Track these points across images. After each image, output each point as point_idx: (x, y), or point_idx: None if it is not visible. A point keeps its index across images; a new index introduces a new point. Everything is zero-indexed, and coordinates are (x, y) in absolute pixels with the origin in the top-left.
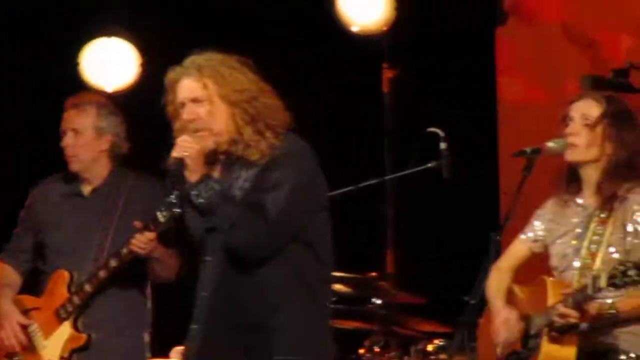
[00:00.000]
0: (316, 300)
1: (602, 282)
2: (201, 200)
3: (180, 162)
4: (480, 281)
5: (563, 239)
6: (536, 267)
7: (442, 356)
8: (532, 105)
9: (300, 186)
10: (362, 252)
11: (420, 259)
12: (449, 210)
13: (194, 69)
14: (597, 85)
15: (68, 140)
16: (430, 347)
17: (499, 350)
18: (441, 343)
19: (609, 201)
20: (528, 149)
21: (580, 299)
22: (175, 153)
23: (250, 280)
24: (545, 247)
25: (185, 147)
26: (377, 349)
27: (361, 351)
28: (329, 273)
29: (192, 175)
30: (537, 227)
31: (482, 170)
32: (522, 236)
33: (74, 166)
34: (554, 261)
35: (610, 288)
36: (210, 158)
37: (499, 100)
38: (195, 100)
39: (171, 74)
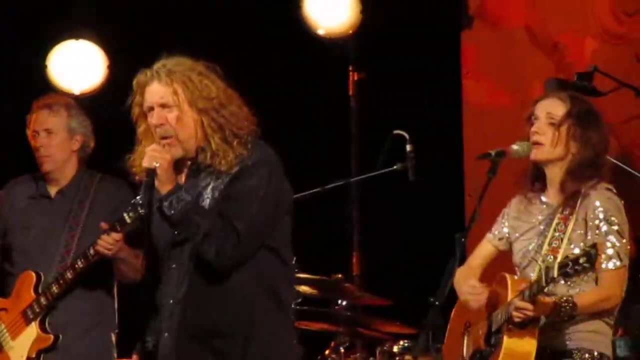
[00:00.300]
0: (282, 302)
1: (555, 271)
2: (173, 212)
3: (152, 172)
4: (445, 282)
5: (526, 235)
6: (504, 265)
7: (407, 357)
8: (497, 109)
9: (269, 196)
10: (327, 253)
11: (385, 261)
12: (414, 212)
13: (164, 73)
14: (561, 88)
15: (42, 140)
16: (395, 348)
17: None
18: (406, 344)
19: (571, 199)
20: (492, 152)
21: (535, 291)
22: (146, 163)
23: (219, 287)
24: (510, 245)
25: (156, 157)
26: (342, 350)
27: (327, 352)
28: (292, 274)
29: (163, 186)
30: (502, 225)
31: (447, 173)
32: (489, 235)
33: (47, 166)
34: (517, 258)
35: (562, 285)
36: (177, 165)
37: (464, 103)
38: (164, 106)
39: (140, 77)
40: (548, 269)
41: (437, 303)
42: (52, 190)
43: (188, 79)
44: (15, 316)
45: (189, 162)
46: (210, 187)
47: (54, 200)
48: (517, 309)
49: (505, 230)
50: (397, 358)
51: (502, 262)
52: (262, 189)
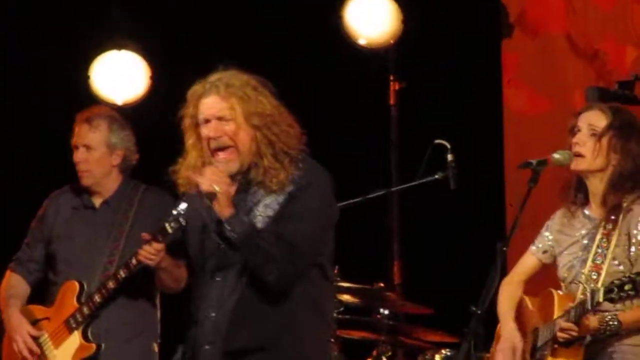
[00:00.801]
0: (324, 316)
1: (600, 296)
2: (235, 236)
3: (211, 195)
4: (487, 291)
5: (570, 250)
6: (549, 277)
7: None
8: (538, 117)
9: (325, 216)
10: (369, 262)
11: (426, 270)
12: (455, 221)
13: (222, 86)
14: (602, 96)
15: (80, 156)
16: (437, 357)
17: None
18: (448, 353)
19: (613, 212)
20: (534, 161)
21: (580, 313)
22: (205, 187)
23: (268, 303)
24: (554, 258)
25: (216, 181)
26: (384, 359)
27: None
28: (334, 288)
29: (224, 209)
30: (545, 238)
31: (488, 182)
32: (532, 247)
33: (86, 181)
34: (561, 272)
35: (607, 302)
36: (232, 179)
37: (505, 112)
38: (221, 119)
39: (197, 88)
40: (594, 292)
41: (478, 312)
42: (96, 202)
43: (244, 94)
44: (58, 325)
45: (238, 177)
46: (262, 204)
47: (98, 211)
48: (562, 329)
49: (549, 243)
50: None
51: (545, 273)
52: (320, 210)
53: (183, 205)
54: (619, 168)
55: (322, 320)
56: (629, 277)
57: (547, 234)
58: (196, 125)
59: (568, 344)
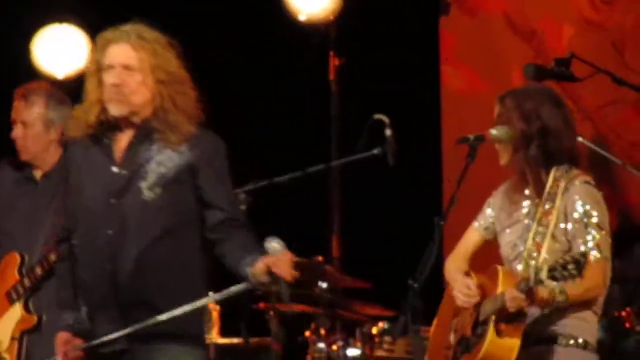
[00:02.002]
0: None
1: (543, 274)
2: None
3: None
4: (424, 265)
5: (512, 228)
6: (494, 255)
7: (387, 339)
8: (476, 95)
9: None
10: (308, 236)
11: (365, 244)
12: (394, 196)
13: (134, 36)
14: (539, 74)
15: (17, 132)
16: (375, 330)
17: (443, 327)
18: (386, 326)
19: (545, 190)
20: (471, 136)
21: (524, 288)
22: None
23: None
24: (496, 235)
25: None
26: (322, 332)
27: (307, 334)
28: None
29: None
30: (487, 215)
31: (426, 158)
32: (475, 224)
33: (24, 156)
34: (504, 251)
35: (550, 280)
36: (122, 124)
37: (442, 89)
38: (127, 68)
39: (107, 34)
40: (537, 270)
41: (416, 285)
42: (37, 175)
43: (154, 48)
44: None
45: (135, 128)
46: (154, 160)
47: (39, 184)
48: (512, 299)
49: (491, 220)
50: (377, 340)
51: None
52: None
53: None
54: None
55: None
56: (572, 257)
57: (489, 210)
58: (99, 70)
59: (509, 319)
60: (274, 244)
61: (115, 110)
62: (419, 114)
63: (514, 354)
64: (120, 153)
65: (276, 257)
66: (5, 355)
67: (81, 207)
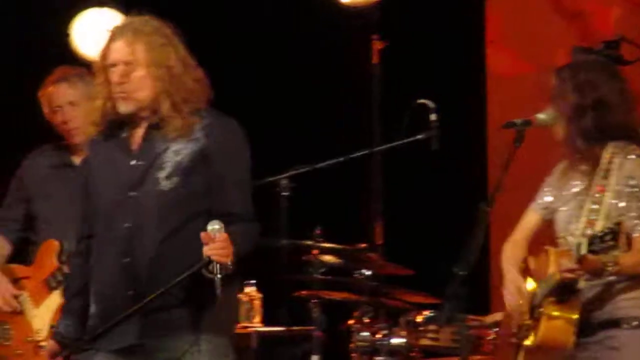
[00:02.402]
0: None
1: (583, 248)
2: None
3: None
4: (469, 252)
5: (567, 205)
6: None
7: (431, 327)
8: (521, 78)
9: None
10: (350, 223)
11: (409, 231)
12: (438, 181)
13: (130, 32)
14: (588, 56)
15: (67, 114)
16: (419, 318)
17: (510, 317)
18: (430, 314)
19: (600, 166)
20: (518, 121)
21: (576, 257)
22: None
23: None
24: (554, 214)
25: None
26: (366, 320)
27: (350, 322)
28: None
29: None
30: (545, 194)
31: (471, 142)
32: (533, 204)
33: (79, 138)
34: (558, 228)
35: (591, 254)
36: (132, 121)
37: (487, 72)
38: (126, 64)
39: (112, 30)
40: (578, 245)
41: (461, 273)
42: (76, 160)
43: (150, 42)
44: (38, 284)
45: (145, 123)
46: (170, 150)
47: (77, 169)
48: (565, 270)
49: (548, 199)
50: (421, 328)
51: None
52: (247, 170)
53: None
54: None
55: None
56: (609, 227)
57: (546, 189)
58: (105, 67)
59: (564, 299)
60: (213, 226)
61: (122, 107)
62: (463, 98)
63: (571, 333)
64: (137, 145)
65: (211, 238)
66: (45, 344)
67: (100, 203)
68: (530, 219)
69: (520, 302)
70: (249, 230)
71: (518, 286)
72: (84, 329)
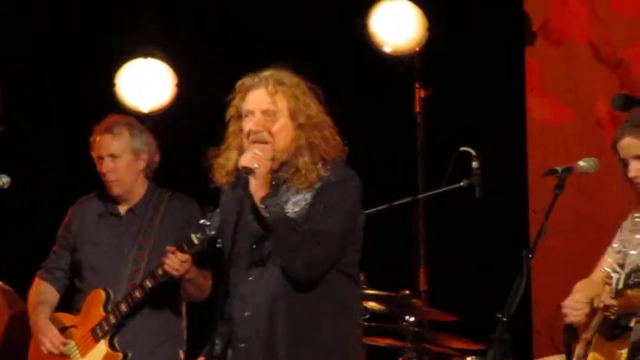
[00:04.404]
0: (354, 316)
1: (621, 282)
2: (269, 215)
3: (248, 172)
4: (512, 298)
5: (636, 250)
6: None
7: None
8: (561, 125)
9: (352, 210)
10: (394, 269)
11: (452, 277)
12: (480, 228)
13: (272, 82)
14: (627, 104)
15: (108, 165)
16: None
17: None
18: None
19: None
20: (559, 168)
21: (615, 292)
22: (246, 162)
23: (301, 301)
24: (625, 258)
25: (258, 159)
26: None
27: None
28: (360, 290)
29: (259, 189)
30: (618, 238)
31: (512, 189)
32: (609, 248)
33: (117, 190)
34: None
35: (627, 289)
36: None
37: (528, 120)
38: (266, 113)
39: (246, 80)
40: (618, 280)
41: (504, 319)
42: (122, 209)
43: (293, 94)
44: (85, 334)
45: (270, 175)
46: (290, 202)
47: (124, 219)
48: (605, 307)
49: (620, 244)
50: None
51: None
52: (347, 203)
53: (211, 216)
54: None
55: (352, 321)
56: None
57: (619, 234)
58: (239, 116)
59: (614, 335)
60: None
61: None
62: (504, 145)
63: None
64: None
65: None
66: None
67: (226, 251)
68: (606, 261)
69: (580, 312)
70: (307, 235)
71: (577, 298)
72: None
